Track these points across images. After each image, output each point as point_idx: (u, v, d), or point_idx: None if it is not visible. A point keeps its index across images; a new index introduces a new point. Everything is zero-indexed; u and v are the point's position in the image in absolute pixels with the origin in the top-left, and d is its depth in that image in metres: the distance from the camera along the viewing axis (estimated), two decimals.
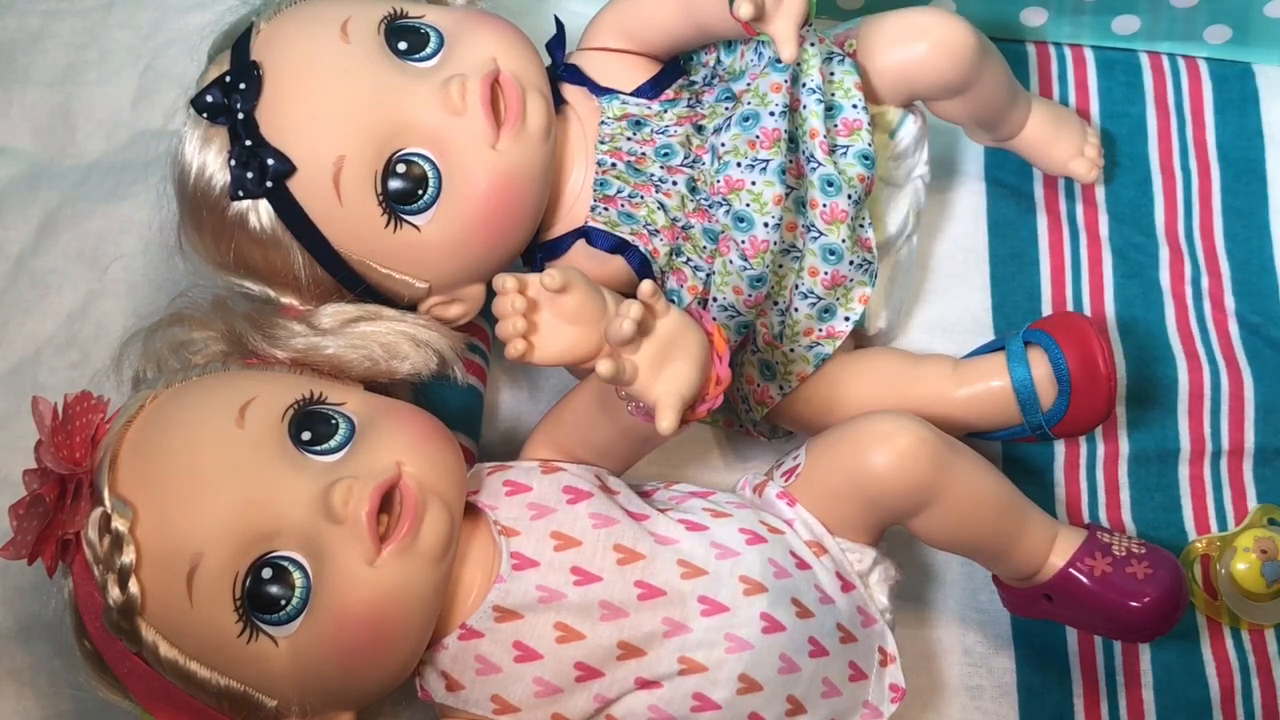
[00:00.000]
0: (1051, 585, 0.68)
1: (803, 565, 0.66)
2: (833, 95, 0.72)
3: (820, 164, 0.71)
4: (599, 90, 0.73)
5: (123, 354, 0.69)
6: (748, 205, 0.69)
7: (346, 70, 0.66)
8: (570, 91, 0.73)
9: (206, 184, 0.67)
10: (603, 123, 0.73)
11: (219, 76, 0.67)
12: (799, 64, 0.71)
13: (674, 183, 0.72)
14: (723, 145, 0.71)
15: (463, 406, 0.76)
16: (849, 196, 0.70)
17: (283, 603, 0.59)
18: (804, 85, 0.71)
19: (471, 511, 0.65)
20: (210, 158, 0.67)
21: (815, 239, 0.71)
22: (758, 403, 0.75)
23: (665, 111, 0.73)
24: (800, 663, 0.64)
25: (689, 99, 0.74)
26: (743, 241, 0.70)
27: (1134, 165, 0.86)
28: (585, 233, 0.72)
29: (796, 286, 0.72)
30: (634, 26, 0.74)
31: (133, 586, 0.58)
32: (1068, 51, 0.89)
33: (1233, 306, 0.83)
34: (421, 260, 0.68)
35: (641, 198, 0.72)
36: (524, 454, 0.69)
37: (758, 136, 0.70)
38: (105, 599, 0.58)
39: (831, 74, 0.72)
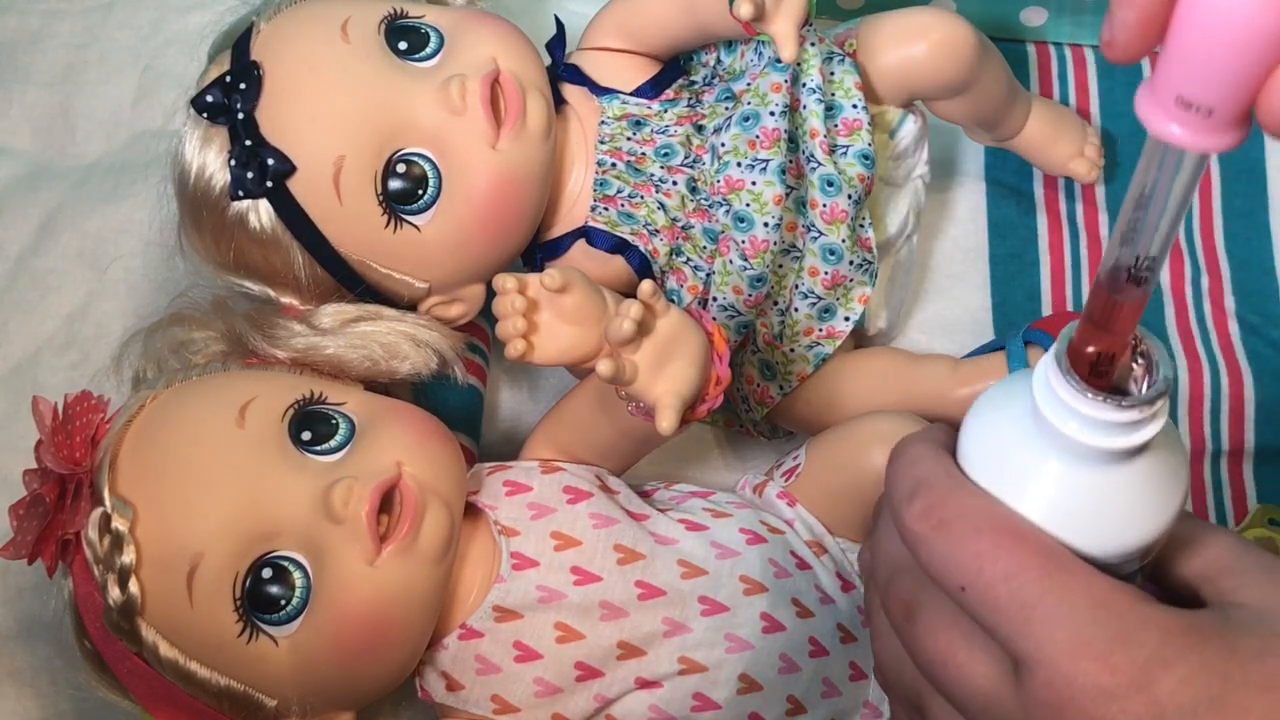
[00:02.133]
0: None
1: (803, 565, 0.66)
2: (833, 95, 0.72)
3: (820, 164, 0.71)
4: (599, 90, 0.73)
5: (123, 354, 0.69)
6: (748, 205, 0.69)
7: (346, 70, 0.66)
8: (570, 91, 0.73)
9: (206, 184, 0.67)
10: (603, 123, 0.73)
11: (219, 76, 0.67)
12: (799, 64, 0.71)
13: (674, 183, 0.72)
14: (723, 145, 0.71)
15: (463, 406, 0.76)
16: (849, 196, 0.70)
17: (283, 603, 0.59)
18: (804, 85, 0.71)
19: (471, 511, 0.65)
20: (210, 158, 0.67)
21: (815, 239, 0.71)
22: (758, 403, 0.75)
23: (665, 111, 0.73)
24: (800, 663, 0.64)
25: (689, 99, 0.74)
26: (743, 241, 0.70)
27: (1134, 165, 0.85)
28: (585, 233, 0.72)
29: (796, 286, 0.72)
30: (634, 26, 0.74)
31: (133, 586, 0.58)
32: (1068, 51, 0.89)
33: (1233, 307, 0.83)
34: (421, 260, 0.68)
35: (641, 198, 0.72)
36: (524, 454, 0.69)
37: (758, 136, 0.70)
38: (105, 599, 0.58)
39: (831, 74, 0.72)
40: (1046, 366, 0.40)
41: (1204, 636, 0.39)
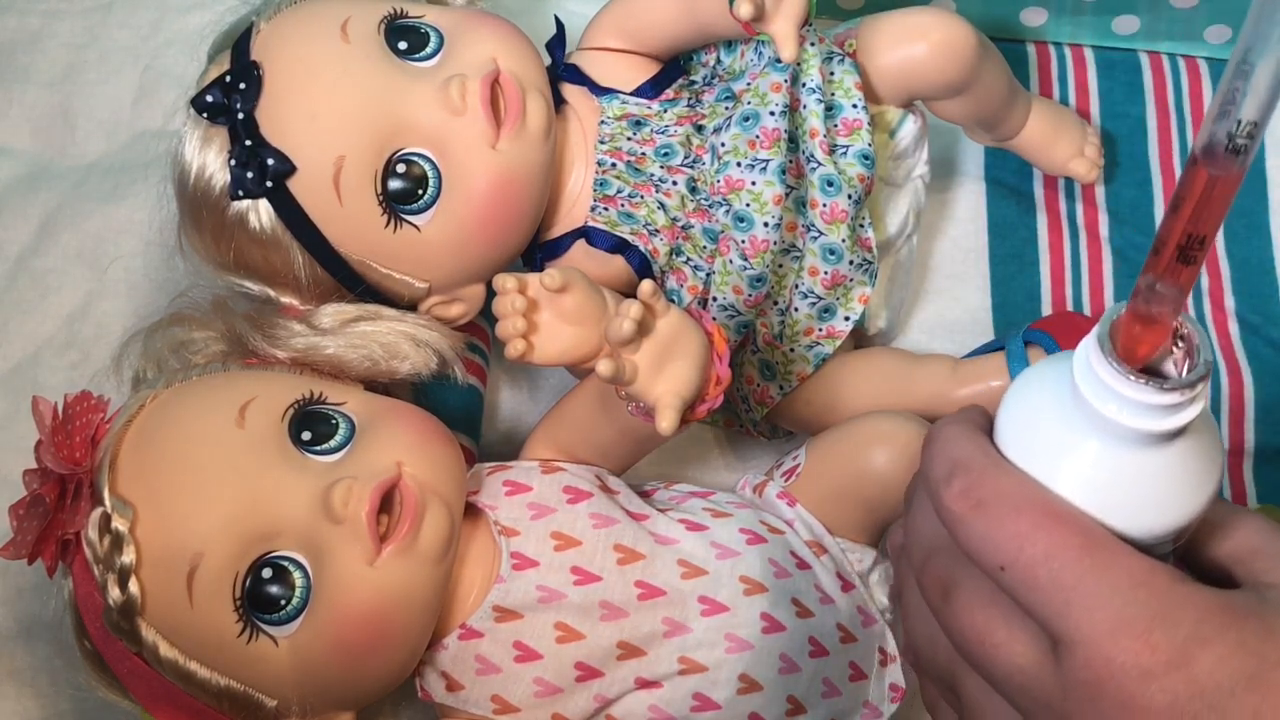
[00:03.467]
0: None
1: (803, 565, 0.66)
2: (833, 95, 0.72)
3: (820, 164, 0.71)
4: (599, 90, 0.73)
5: (123, 354, 0.69)
6: (748, 205, 0.69)
7: (346, 70, 0.66)
8: (570, 91, 0.73)
9: (206, 184, 0.67)
10: (603, 122, 0.73)
11: (219, 76, 0.67)
12: (799, 64, 0.71)
13: (674, 182, 0.72)
14: (723, 145, 0.71)
15: (463, 406, 0.76)
16: (849, 196, 0.70)
17: (283, 603, 0.59)
18: (804, 85, 0.71)
19: (471, 511, 0.65)
20: (210, 158, 0.67)
21: (815, 239, 0.71)
22: (758, 403, 0.75)
23: (665, 111, 0.73)
24: (800, 663, 0.64)
25: (689, 99, 0.74)
26: (743, 241, 0.70)
27: (1134, 165, 0.86)
28: (585, 233, 0.72)
29: (796, 286, 0.72)
30: (634, 26, 0.74)
31: (133, 586, 0.58)
32: (1068, 51, 0.89)
33: (1233, 306, 0.83)
34: (421, 260, 0.68)
35: (641, 198, 0.72)
36: (524, 454, 0.69)
37: (758, 136, 0.70)
38: (105, 599, 0.58)
39: (831, 74, 0.72)
40: (1088, 348, 0.41)
41: (1240, 615, 0.39)
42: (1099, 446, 0.42)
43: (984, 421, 0.45)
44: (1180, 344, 0.41)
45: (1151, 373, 0.40)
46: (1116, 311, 0.41)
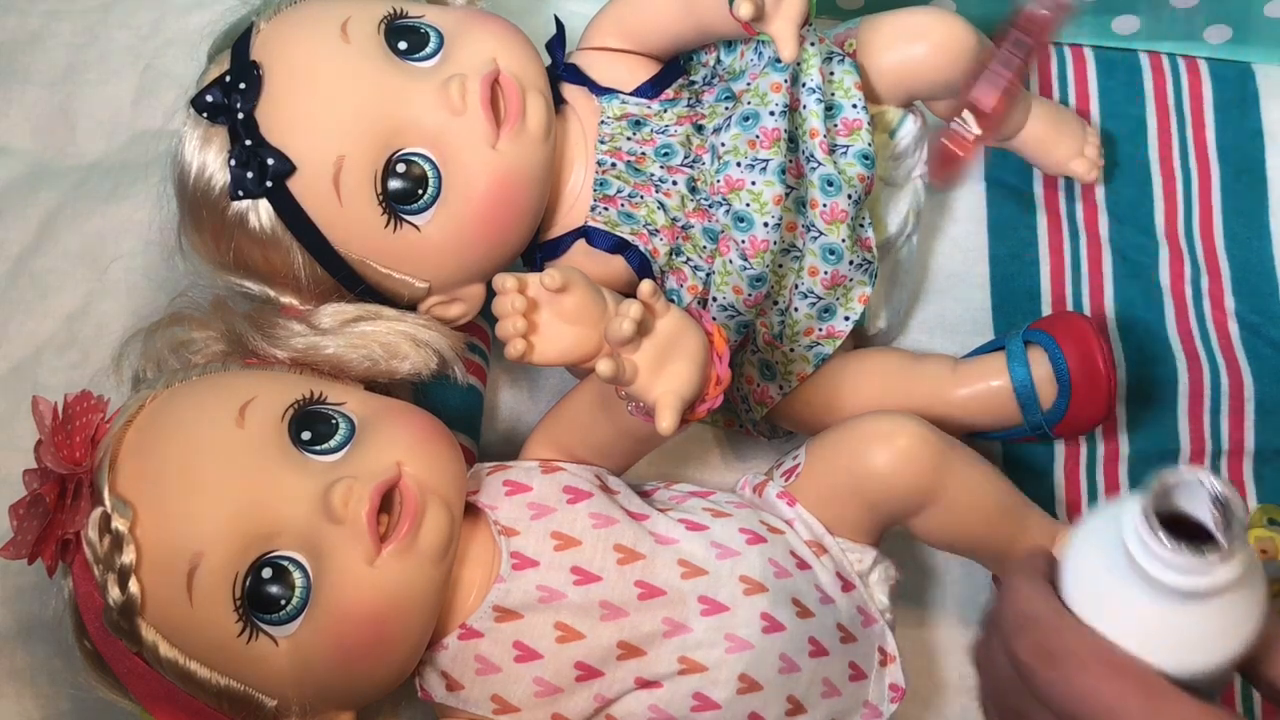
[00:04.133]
0: None
1: (803, 565, 0.66)
2: (833, 95, 0.72)
3: (820, 164, 0.71)
4: (599, 90, 0.73)
5: (123, 354, 0.69)
6: (747, 205, 0.69)
7: (346, 70, 0.66)
8: (570, 91, 0.73)
9: (206, 184, 0.67)
10: (603, 122, 0.73)
11: (219, 76, 0.67)
12: (799, 64, 0.71)
13: (674, 182, 0.72)
14: (723, 145, 0.71)
15: (463, 406, 0.76)
16: (849, 196, 0.70)
17: (283, 603, 0.59)
18: (804, 85, 0.71)
19: (471, 511, 0.65)
20: (210, 158, 0.67)
21: (815, 239, 0.71)
22: (758, 403, 0.75)
23: (665, 111, 0.73)
24: (800, 662, 0.64)
25: (689, 99, 0.74)
26: (742, 241, 0.70)
27: (1134, 165, 0.86)
28: (585, 232, 0.72)
29: (796, 286, 0.72)
30: (634, 26, 0.74)
31: (133, 586, 0.58)
32: (1068, 51, 0.89)
33: (1233, 306, 0.82)
34: (421, 260, 0.68)
35: (641, 197, 0.72)
36: (524, 454, 0.69)
37: (758, 136, 0.70)
38: (105, 599, 0.58)
39: (831, 74, 0.72)
40: (1135, 521, 0.47)
41: None
42: (1151, 602, 0.47)
43: (1048, 569, 0.51)
44: (1217, 508, 0.47)
45: (1193, 535, 0.46)
46: (1157, 483, 0.47)
